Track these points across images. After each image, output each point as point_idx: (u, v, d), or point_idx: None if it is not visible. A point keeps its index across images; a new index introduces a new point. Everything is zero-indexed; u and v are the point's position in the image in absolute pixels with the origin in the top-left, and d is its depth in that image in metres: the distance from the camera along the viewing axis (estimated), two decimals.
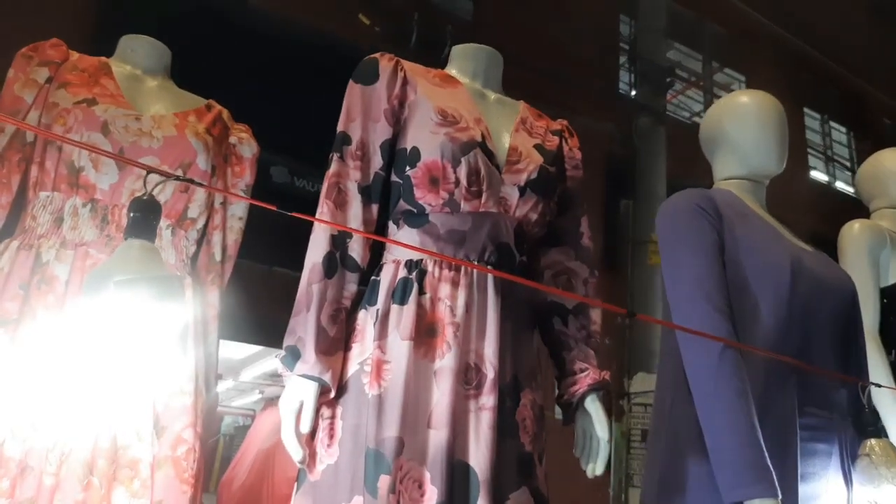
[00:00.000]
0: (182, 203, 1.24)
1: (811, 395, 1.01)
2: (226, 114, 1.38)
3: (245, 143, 1.37)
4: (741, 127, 1.18)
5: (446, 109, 1.05)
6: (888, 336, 1.43)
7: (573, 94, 4.55)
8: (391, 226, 1.08)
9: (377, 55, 1.10)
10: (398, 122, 1.06)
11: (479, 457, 0.92)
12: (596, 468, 1.07)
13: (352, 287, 1.01)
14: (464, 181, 1.01)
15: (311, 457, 0.97)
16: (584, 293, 1.16)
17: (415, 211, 1.04)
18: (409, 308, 0.97)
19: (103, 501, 1.03)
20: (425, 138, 1.03)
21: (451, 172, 1.01)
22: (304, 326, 0.96)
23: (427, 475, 0.91)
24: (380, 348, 0.97)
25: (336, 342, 0.98)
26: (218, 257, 1.31)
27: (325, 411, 0.98)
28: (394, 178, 1.06)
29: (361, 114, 1.06)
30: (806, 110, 7.14)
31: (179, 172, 1.18)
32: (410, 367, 0.94)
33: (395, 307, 0.99)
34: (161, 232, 1.20)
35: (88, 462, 1.03)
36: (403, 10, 4.40)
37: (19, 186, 1.19)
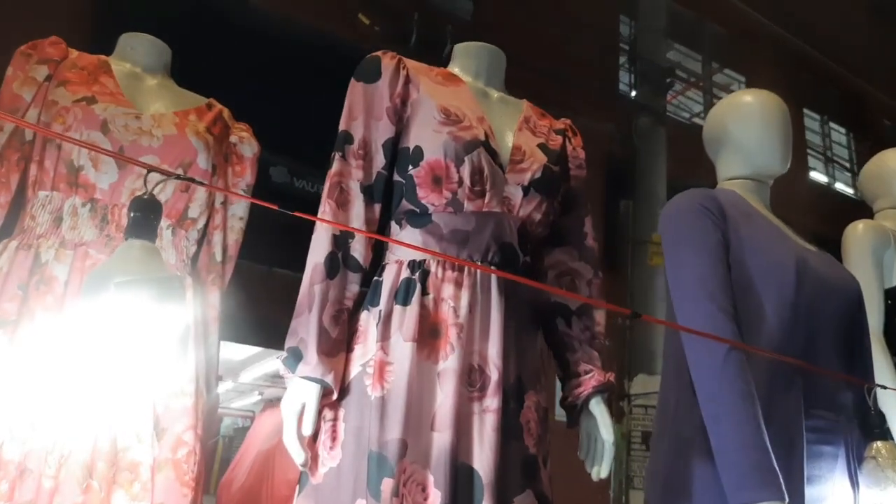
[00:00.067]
0: (183, 203, 1.23)
1: (817, 396, 1.00)
2: (226, 113, 1.37)
3: (246, 143, 1.36)
4: (745, 126, 1.17)
5: (449, 108, 1.05)
6: (892, 337, 1.42)
7: (573, 95, 4.55)
8: (393, 226, 1.07)
9: (379, 53, 1.09)
10: (401, 121, 1.06)
11: (482, 459, 0.91)
12: (601, 471, 1.06)
13: (354, 288, 1.00)
14: (467, 181, 1.00)
15: (313, 459, 0.96)
16: (588, 294, 1.15)
17: (417, 211, 1.03)
18: (412, 309, 0.96)
19: None
20: (428, 137, 1.02)
21: (454, 172, 1.00)
22: (305, 327, 0.95)
23: (430, 478, 0.90)
24: (382, 349, 0.96)
25: (338, 343, 0.97)
26: (218, 257, 1.31)
27: (328, 413, 0.97)
28: (396, 177, 1.05)
29: (363, 112, 1.05)
30: (806, 111, 7.15)
31: (180, 172, 1.17)
32: (413, 368, 0.93)
33: (397, 308, 0.98)
34: (161, 232, 1.19)
35: (88, 464, 1.02)
36: (403, 10, 4.39)
37: (18, 186, 1.18)
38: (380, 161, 1.04)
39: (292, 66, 3.90)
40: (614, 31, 5.86)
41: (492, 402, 0.95)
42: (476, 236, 1.00)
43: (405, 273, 1.00)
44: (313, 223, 1.00)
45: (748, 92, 1.22)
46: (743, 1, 5.79)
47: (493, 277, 1.00)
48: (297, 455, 0.93)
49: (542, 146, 1.11)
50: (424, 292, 0.98)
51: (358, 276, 1.01)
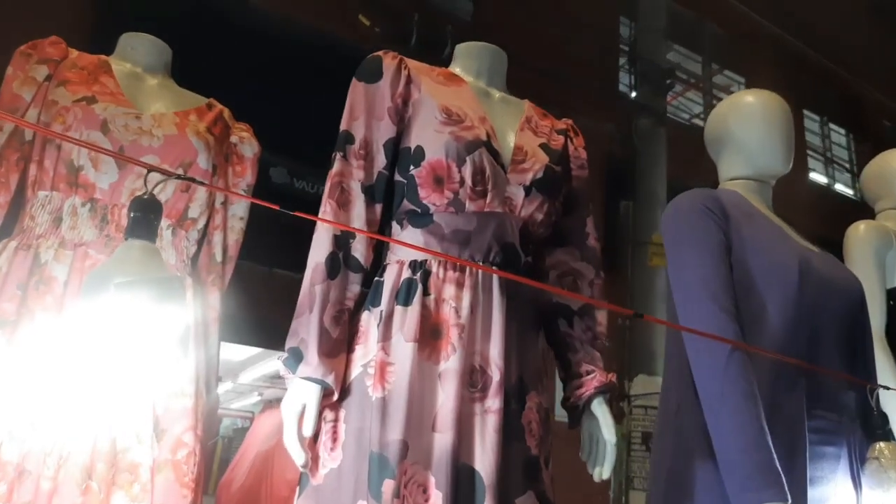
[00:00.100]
0: (183, 203, 1.22)
1: (820, 397, 1.00)
2: (227, 113, 1.36)
3: (246, 143, 1.36)
4: (747, 127, 1.17)
5: (451, 108, 1.04)
6: (894, 338, 1.42)
7: (573, 95, 4.55)
8: (395, 226, 1.06)
9: (381, 53, 1.09)
10: (402, 121, 1.05)
11: (484, 461, 0.91)
12: (603, 472, 1.05)
13: (355, 288, 1.00)
14: (469, 181, 1.00)
15: (313, 460, 0.95)
16: (590, 294, 1.14)
17: (419, 211, 1.02)
18: (414, 309, 0.96)
19: None
20: (430, 137, 1.01)
21: (455, 172, 0.99)
22: (306, 328, 0.94)
23: (432, 479, 0.89)
24: (383, 350, 0.95)
25: (339, 344, 0.97)
26: (219, 258, 1.30)
27: (328, 414, 0.96)
28: (397, 177, 1.05)
29: (365, 112, 1.05)
30: (805, 112, 7.15)
31: (180, 172, 1.17)
32: (415, 369, 0.93)
33: (398, 308, 0.97)
34: (161, 232, 1.18)
35: (87, 466, 1.02)
36: (403, 11, 4.39)
37: (17, 186, 1.17)
38: (381, 161, 1.04)
39: (292, 66, 3.90)
40: (614, 32, 5.86)
41: (493, 402, 0.94)
42: (478, 236, 1.00)
43: (406, 273, 0.99)
44: (313, 224, 0.99)
45: (750, 92, 1.22)
46: (743, 2, 5.80)
47: (495, 278, 0.99)
48: (298, 456, 0.93)
49: (543, 146, 1.11)
50: (426, 292, 0.97)
51: (359, 277, 1.00)
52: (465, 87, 1.12)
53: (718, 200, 1.07)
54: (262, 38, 3.82)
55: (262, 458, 3.43)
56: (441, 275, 0.98)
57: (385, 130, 1.04)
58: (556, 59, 4.73)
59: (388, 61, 1.07)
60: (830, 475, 0.99)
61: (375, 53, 1.09)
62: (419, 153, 1.02)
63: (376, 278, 1.03)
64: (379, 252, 1.06)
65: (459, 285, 0.98)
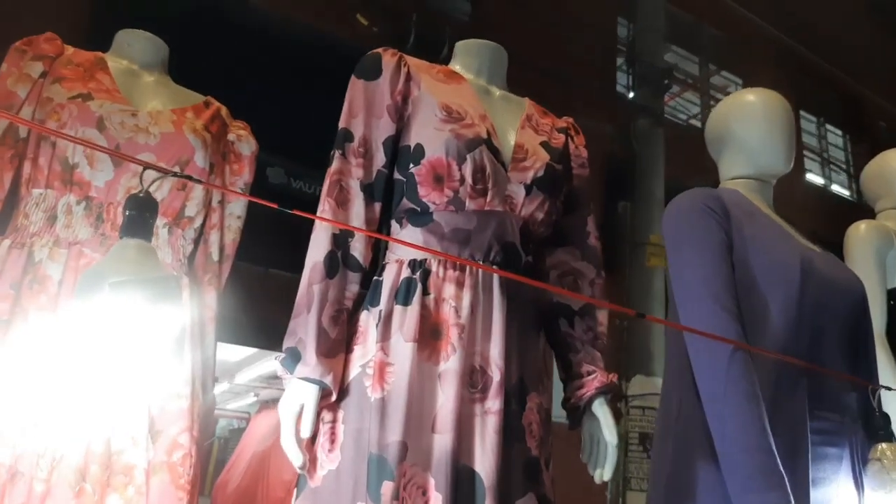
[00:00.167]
0: (179, 201, 1.21)
1: (822, 397, 0.99)
2: (224, 111, 1.35)
3: (244, 141, 1.34)
4: (748, 126, 1.16)
5: (451, 105, 1.03)
6: (895, 338, 1.41)
7: (571, 96, 4.55)
8: (394, 224, 1.05)
9: (380, 50, 1.08)
10: (401, 119, 1.04)
11: (484, 462, 0.90)
12: (604, 473, 1.04)
13: (354, 287, 0.99)
14: (469, 179, 0.99)
15: (311, 462, 0.94)
16: (591, 294, 1.13)
17: (418, 209, 1.01)
18: (413, 309, 0.95)
19: None
20: (429, 135, 1.00)
21: (455, 170, 0.98)
22: (304, 328, 0.93)
23: (431, 481, 0.88)
24: (382, 350, 0.94)
25: (337, 344, 0.96)
26: (215, 257, 1.29)
27: (327, 415, 0.95)
28: (397, 175, 1.04)
29: (364, 110, 1.04)
30: (802, 113, 7.17)
31: (177, 169, 1.16)
32: (414, 369, 0.92)
33: (398, 308, 0.96)
34: (157, 231, 1.17)
35: (81, 468, 1.00)
36: (401, 11, 4.39)
37: (11, 184, 1.16)
38: (380, 159, 1.03)
39: (289, 66, 3.89)
40: (612, 33, 5.87)
41: (493, 403, 0.93)
42: (478, 235, 0.99)
43: (406, 272, 0.98)
44: (310, 225, 0.98)
45: (751, 91, 1.21)
46: (740, 3, 5.81)
47: (495, 277, 0.98)
48: (295, 458, 0.92)
49: (544, 144, 1.10)
50: (425, 292, 0.96)
51: (358, 276, 0.99)
52: (465, 85, 1.12)
53: (719, 199, 1.06)
54: (260, 38, 3.81)
55: (259, 459, 3.42)
56: (441, 274, 0.97)
57: (384, 128, 1.03)
58: (553, 60, 4.73)
59: (388, 58, 1.06)
60: (833, 476, 0.99)
61: (375, 50, 1.08)
62: (419, 151, 1.01)
63: (375, 277, 1.02)
64: (378, 251, 1.05)
65: (459, 285, 0.97)
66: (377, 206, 1.03)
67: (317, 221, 0.98)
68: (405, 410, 0.90)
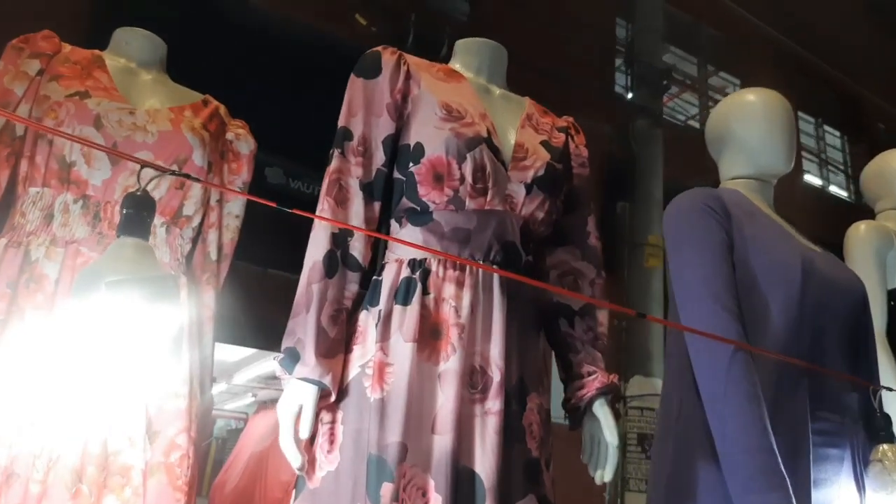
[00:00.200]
0: (177, 200, 1.20)
1: (823, 398, 0.99)
2: (223, 109, 1.35)
3: (242, 140, 1.34)
4: (749, 125, 1.16)
5: (451, 104, 1.03)
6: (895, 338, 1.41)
7: (570, 96, 4.55)
8: (393, 224, 1.05)
9: (380, 48, 1.07)
10: (401, 117, 1.04)
11: (484, 463, 0.90)
12: (605, 474, 1.04)
13: (353, 287, 0.98)
14: (469, 178, 0.98)
15: (310, 463, 0.93)
16: (591, 294, 1.13)
17: (418, 209, 1.01)
18: (413, 309, 0.94)
19: None
20: (429, 134, 1.00)
21: (455, 169, 0.98)
22: (303, 328, 0.93)
23: (431, 482, 0.88)
24: (382, 350, 0.94)
25: (337, 344, 0.95)
26: (213, 256, 1.28)
27: (325, 416, 0.95)
28: (396, 174, 1.03)
29: (363, 108, 1.03)
30: (800, 114, 7.19)
31: (175, 168, 1.15)
32: (414, 369, 0.91)
33: (397, 308, 0.96)
34: (155, 230, 1.16)
35: (77, 469, 1.00)
36: (400, 11, 4.39)
37: (8, 182, 1.15)
38: (380, 158, 1.02)
39: (288, 65, 3.89)
40: (611, 34, 5.88)
41: (494, 404, 0.93)
42: (478, 235, 0.99)
43: (405, 272, 0.98)
44: (309, 224, 0.98)
45: (751, 91, 1.21)
46: (738, 4, 5.82)
47: (496, 277, 0.98)
48: (294, 458, 0.91)
49: (544, 143, 1.10)
50: (425, 292, 0.96)
51: (357, 276, 0.99)
52: (465, 84, 1.11)
53: (720, 199, 1.06)
54: (259, 37, 3.81)
55: (257, 460, 3.42)
56: (441, 274, 0.97)
57: (384, 127, 1.03)
58: (552, 60, 4.74)
59: (388, 57, 1.06)
60: (834, 477, 0.98)
61: (374, 49, 1.08)
62: (419, 150, 1.00)
63: (375, 277, 1.02)
64: (377, 251, 1.04)
65: (459, 284, 0.96)
66: (377, 206, 1.02)
67: (316, 221, 0.98)
68: (405, 411, 0.89)
